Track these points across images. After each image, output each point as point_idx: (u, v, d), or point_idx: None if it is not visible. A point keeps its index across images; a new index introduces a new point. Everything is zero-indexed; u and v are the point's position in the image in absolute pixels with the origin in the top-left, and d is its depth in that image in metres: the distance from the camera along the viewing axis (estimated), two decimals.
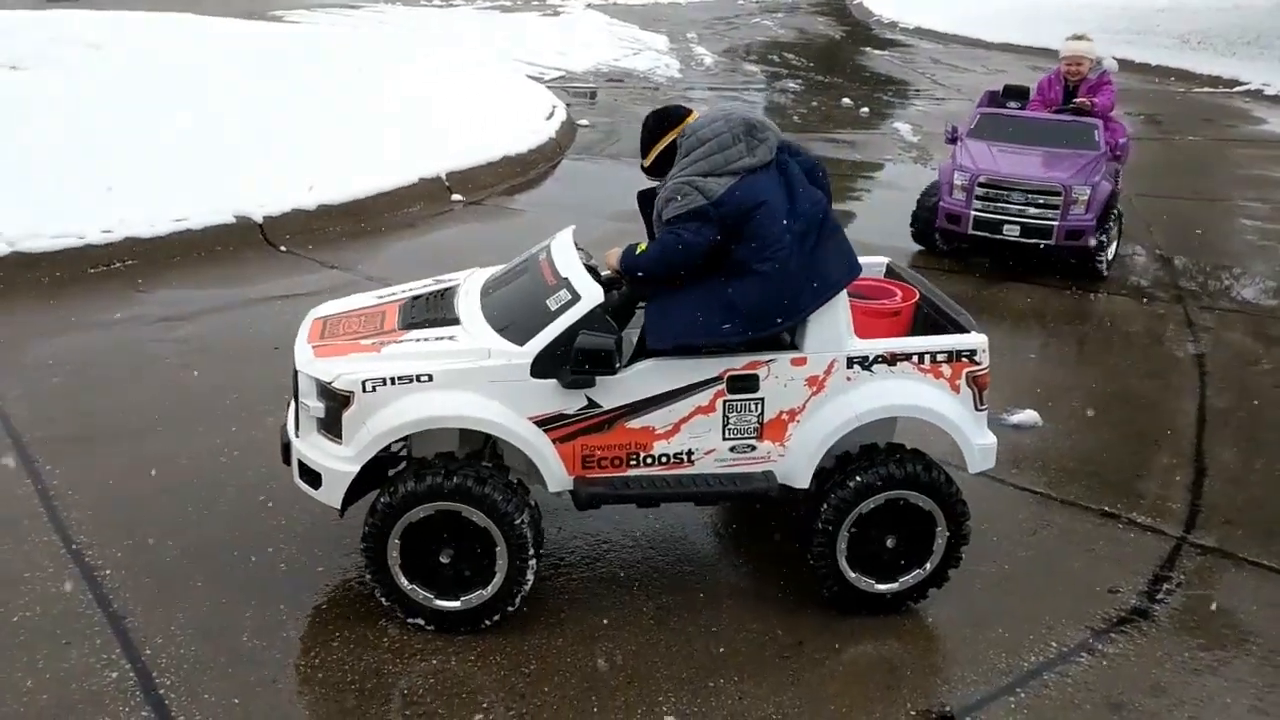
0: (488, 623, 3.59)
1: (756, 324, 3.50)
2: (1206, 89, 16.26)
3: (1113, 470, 4.95)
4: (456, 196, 8.50)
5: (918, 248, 7.79)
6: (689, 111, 3.75)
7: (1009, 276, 7.35)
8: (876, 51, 18.87)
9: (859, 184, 9.95)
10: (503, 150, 9.34)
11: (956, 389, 3.75)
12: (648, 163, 3.77)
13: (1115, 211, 7.37)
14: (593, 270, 3.73)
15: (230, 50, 12.50)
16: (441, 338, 3.62)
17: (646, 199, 3.83)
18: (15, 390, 5.06)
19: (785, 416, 3.66)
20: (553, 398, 3.50)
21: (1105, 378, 5.97)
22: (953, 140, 7.81)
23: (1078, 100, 7.68)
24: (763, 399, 3.62)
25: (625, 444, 3.60)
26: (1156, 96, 15.45)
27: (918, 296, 4.12)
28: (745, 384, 3.59)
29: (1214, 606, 3.99)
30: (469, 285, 3.95)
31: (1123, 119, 8.05)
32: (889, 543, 3.73)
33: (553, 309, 3.55)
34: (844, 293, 3.63)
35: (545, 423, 3.53)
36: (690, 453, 3.65)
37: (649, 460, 3.63)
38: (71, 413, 4.89)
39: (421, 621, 3.57)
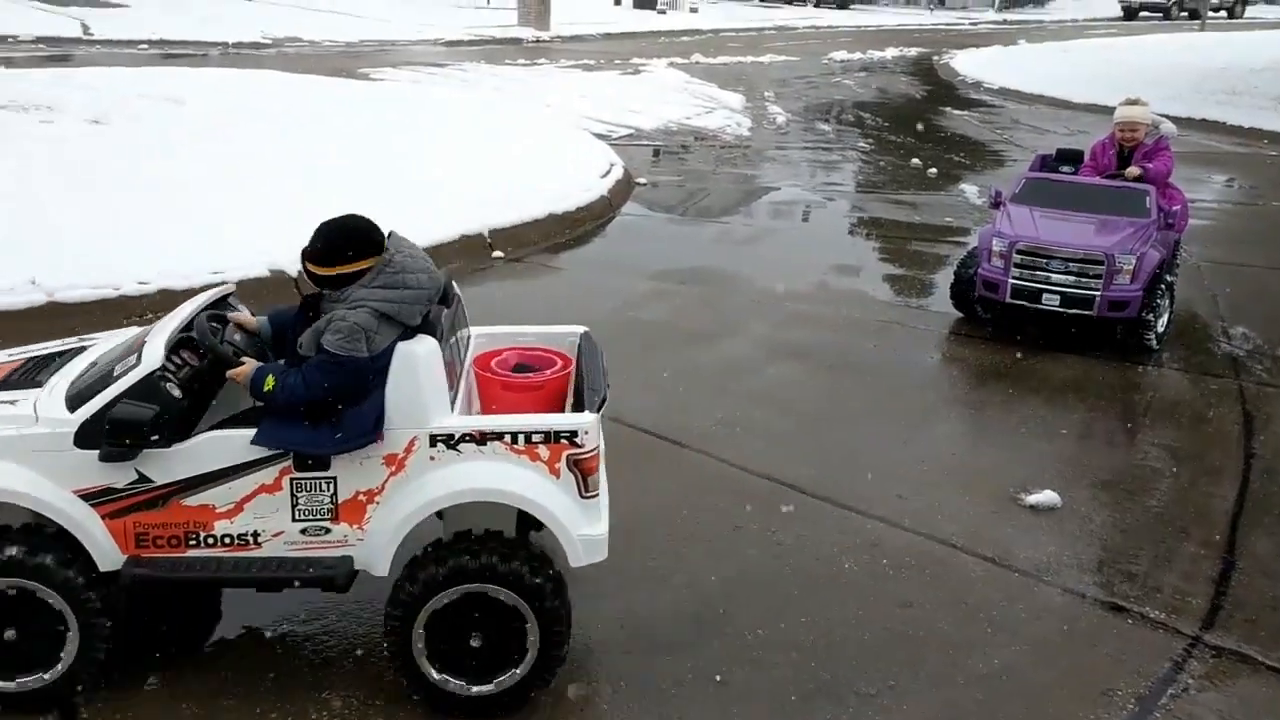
0: None
1: (370, 432, 3.32)
2: None
3: (1131, 558, 4.65)
4: (497, 253, 8.52)
5: (960, 315, 7.54)
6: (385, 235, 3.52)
7: (1052, 347, 7.06)
8: (956, 111, 18.60)
9: (912, 245, 9.72)
10: (549, 207, 9.36)
11: (556, 473, 3.43)
12: (330, 272, 3.41)
13: (1166, 282, 7.01)
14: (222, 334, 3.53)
15: (298, 107, 12.85)
16: (4, 402, 3.44)
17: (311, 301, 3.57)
18: None
19: (363, 497, 3.39)
20: (101, 470, 3.30)
21: (1140, 457, 5.65)
22: (996, 205, 7.56)
23: (1129, 170, 7.33)
24: (335, 478, 3.36)
25: (183, 522, 3.37)
26: (1246, 160, 14.89)
27: (571, 369, 3.87)
28: (314, 462, 3.33)
29: (1219, 717, 3.68)
30: (97, 348, 3.76)
31: (1179, 185, 7.67)
32: (474, 641, 3.41)
33: (115, 375, 3.35)
34: (432, 362, 3.36)
35: (93, 496, 3.33)
36: (256, 534, 3.40)
37: (210, 541, 3.39)
38: None
39: None
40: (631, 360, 6.55)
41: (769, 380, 6.37)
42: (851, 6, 46.93)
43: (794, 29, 35.55)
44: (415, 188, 9.39)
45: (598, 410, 3.51)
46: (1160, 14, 44.18)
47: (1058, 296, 6.86)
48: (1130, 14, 44.88)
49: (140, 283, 6.84)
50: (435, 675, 3.44)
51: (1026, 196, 7.48)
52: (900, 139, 15.50)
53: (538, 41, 26.64)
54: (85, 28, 22.17)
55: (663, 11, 36.06)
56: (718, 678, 3.76)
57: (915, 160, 13.42)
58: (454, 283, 3.93)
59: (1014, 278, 6.96)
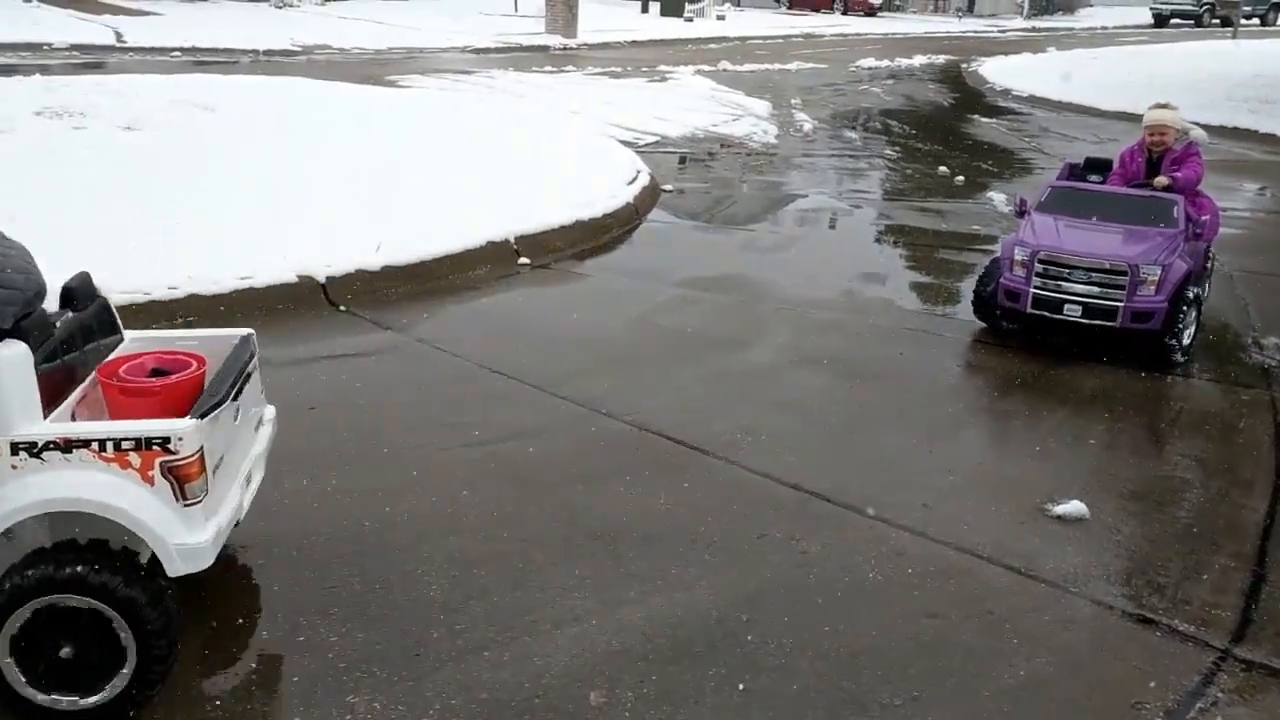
0: None
1: None
2: None
3: (1159, 570, 4.60)
4: (523, 260, 8.54)
5: (983, 324, 7.49)
6: None
7: (1080, 357, 6.99)
8: (984, 119, 18.50)
9: (939, 253, 9.67)
10: (576, 214, 9.37)
11: (150, 480, 3.31)
12: None
13: (1193, 293, 6.89)
14: None
15: (325, 114, 12.95)
16: None
17: None
18: None
19: None
20: None
21: (1169, 468, 5.59)
22: (1021, 213, 7.47)
23: (1157, 180, 7.19)
24: None
25: None
26: (1278, 169, 14.73)
27: (203, 373, 3.75)
28: None
29: None
30: None
31: (1209, 193, 7.55)
32: (67, 652, 3.26)
33: None
34: (17, 368, 3.24)
35: None
36: None
37: None
38: None
39: None
40: (655, 367, 6.55)
41: (794, 388, 6.35)
42: (880, 14, 46.81)
43: (821, 36, 35.49)
44: (441, 194, 9.43)
45: (202, 415, 3.39)
46: (1192, 21, 43.79)
47: (1080, 307, 6.76)
48: (1161, 21, 44.50)
49: (170, 288, 6.90)
50: (41, 697, 3.31)
51: (1052, 205, 7.38)
52: (927, 146, 15.44)
53: (565, 49, 26.73)
54: (118, 35, 22.43)
55: (690, 19, 36.09)
56: (741, 686, 3.75)
57: (942, 168, 13.36)
58: (96, 286, 3.80)
59: (1036, 288, 6.86)
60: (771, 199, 11.67)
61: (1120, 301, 6.67)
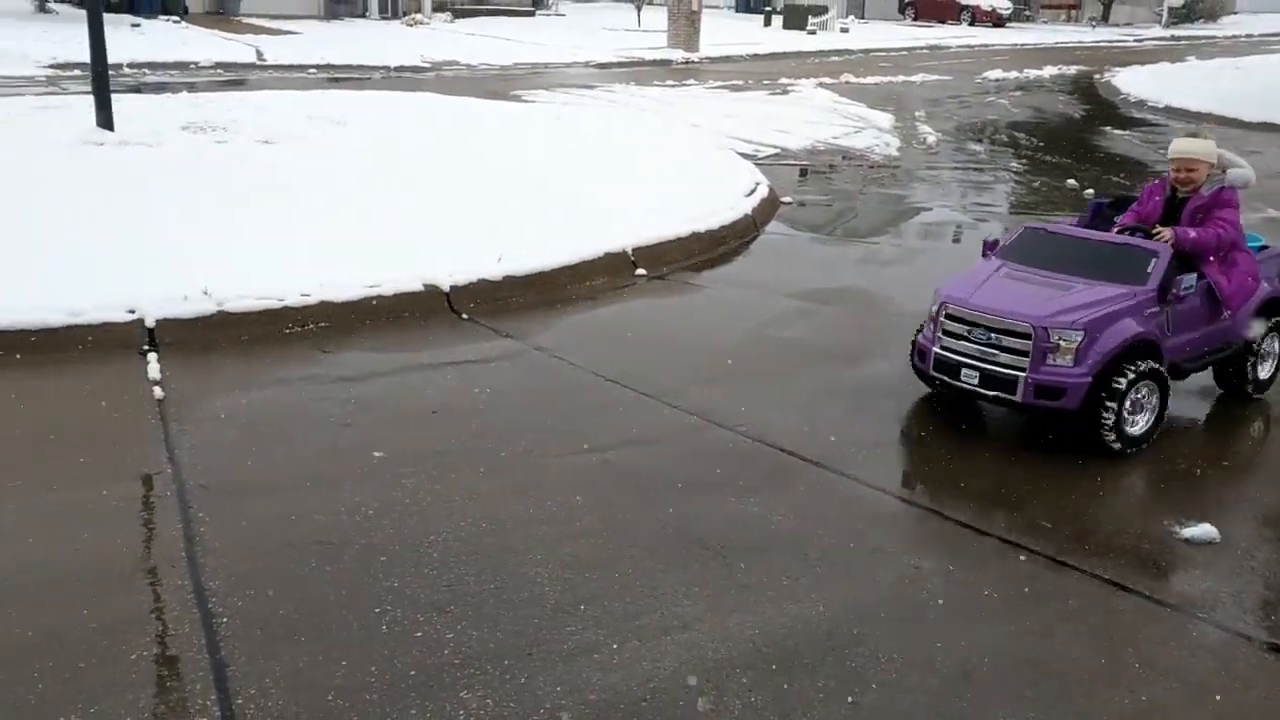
0: None
1: None
2: None
3: None
4: (640, 271, 8.62)
5: None
6: None
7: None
8: (1117, 131, 17.95)
9: None
10: (693, 226, 9.42)
11: None
12: None
13: (1145, 368, 5.46)
14: None
15: (452, 126, 13.30)
16: None
17: None
18: (192, 440, 5.46)
19: None
20: None
21: None
22: (984, 255, 6.29)
23: (1161, 231, 5.78)
24: None
25: None
26: None
27: None
28: None
29: None
30: None
31: (1249, 257, 6.11)
32: None
33: None
34: None
35: None
36: None
37: None
38: (234, 464, 5.23)
39: None
40: (770, 378, 6.54)
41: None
42: (1008, 25, 45.79)
43: (947, 48, 34.90)
44: (560, 205, 9.59)
45: None
46: None
47: (977, 374, 5.55)
48: None
49: (303, 295, 7.17)
50: None
51: (1015, 248, 6.05)
52: (1056, 159, 15.05)
53: (687, 63, 26.87)
54: (259, 54, 23.39)
55: (813, 32, 35.90)
56: (849, 699, 3.72)
57: (1071, 181, 13.02)
58: None
59: (939, 347, 5.73)
60: (893, 212, 11.54)
61: (1021, 371, 5.40)
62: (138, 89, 17.43)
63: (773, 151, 14.54)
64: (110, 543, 4.48)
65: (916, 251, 10.03)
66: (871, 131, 16.62)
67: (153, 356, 6.44)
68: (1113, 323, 5.43)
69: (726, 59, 27.97)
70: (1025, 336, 5.40)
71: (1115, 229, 6.10)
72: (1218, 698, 3.79)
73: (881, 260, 9.60)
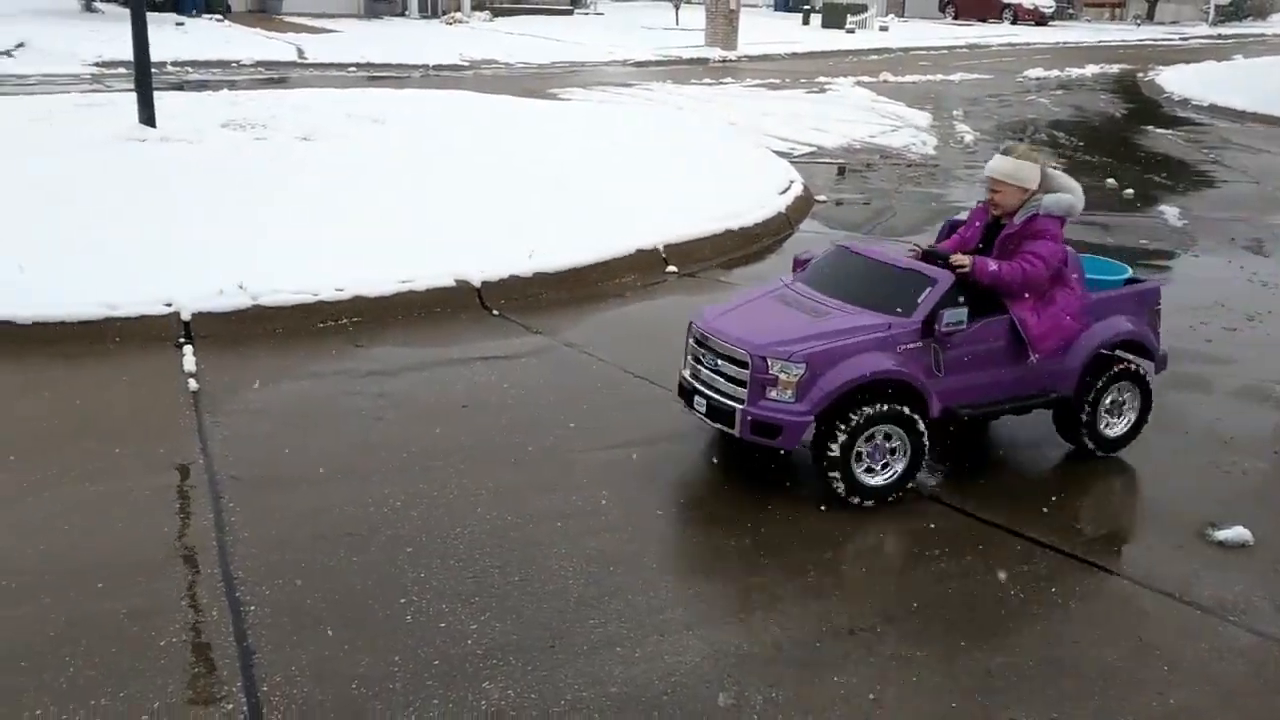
0: None
1: None
2: None
3: None
4: (671, 268, 8.62)
5: None
6: None
7: (1255, 378, 6.63)
8: (1159, 130, 17.71)
9: None
10: (726, 224, 9.40)
11: None
12: None
13: (888, 411, 4.83)
14: None
15: (487, 123, 13.37)
16: None
17: None
18: (224, 431, 5.53)
19: None
20: None
21: None
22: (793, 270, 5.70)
23: (958, 259, 5.02)
24: None
25: None
26: None
27: None
28: None
29: None
30: None
31: (1070, 288, 5.22)
32: None
33: None
34: None
35: None
36: None
37: None
38: (265, 456, 5.29)
39: None
40: None
41: None
42: (1051, 23, 45.29)
43: (987, 46, 34.58)
44: (592, 203, 9.61)
45: None
46: None
47: (705, 402, 5.06)
48: None
49: (337, 289, 7.23)
50: None
51: (815, 267, 5.46)
52: (1096, 158, 14.88)
53: (724, 61, 26.81)
54: (300, 52, 23.61)
55: (851, 30, 35.70)
56: (871, 696, 3.71)
57: (1110, 180, 12.85)
58: None
59: (685, 370, 5.31)
60: (931, 211, 11.45)
61: (740, 403, 4.88)
62: (180, 87, 17.66)
63: (809, 150, 14.49)
64: (142, 531, 4.56)
65: None
66: (909, 130, 16.51)
67: (188, 349, 6.53)
68: (846, 357, 4.76)
69: (764, 57, 27.87)
70: (743, 365, 4.84)
71: (912, 253, 5.32)
72: (1247, 702, 3.74)
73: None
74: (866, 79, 22.98)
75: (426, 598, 4.15)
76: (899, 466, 4.93)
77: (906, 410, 4.85)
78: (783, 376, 4.76)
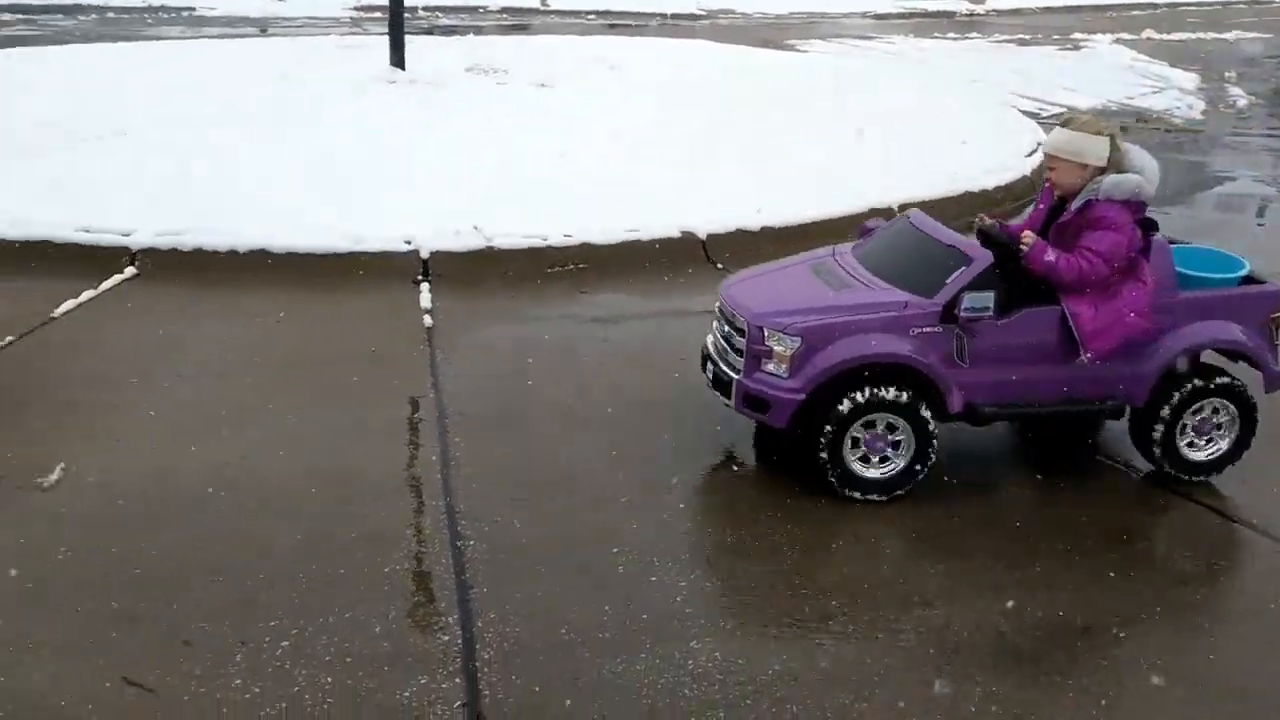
0: None
1: None
2: None
3: None
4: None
5: None
6: None
7: None
8: None
9: None
10: (965, 185, 8.96)
11: None
12: None
13: (899, 398, 4.39)
14: None
15: (720, 74, 13.22)
16: None
17: None
18: (456, 369, 5.70)
19: None
20: None
21: None
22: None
23: (1025, 235, 4.47)
24: None
25: None
26: None
27: None
28: None
29: None
30: None
31: (1141, 304, 4.45)
32: None
33: None
34: None
35: None
36: None
37: None
38: (491, 395, 5.42)
39: None
40: None
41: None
42: None
43: (1271, 1, 31.61)
44: (825, 158, 9.34)
45: None
46: None
47: (712, 371, 4.78)
48: None
49: (565, 235, 7.32)
50: None
51: (874, 237, 4.97)
52: None
53: (971, 15, 25.57)
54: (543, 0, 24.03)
55: None
56: (1103, 702, 3.46)
57: None
58: None
59: (708, 336, 4.99)
60: (1191, 180, 10.59)
61: (737, 374, 4.56)
62: (430, 31, 18.30)
63: (1058, 110, 13.62)
64: (375, 460, 4.74)
65: (1212, 224, 9.13)
66: (1173, 92, 15.30)
67: (425, 286, 6.76)
68: (846, 335, 4.35)
69: (1015, 11, 26.38)
70: (742, 333, 4.53)
71: (975, 230, 4.72)
72: None
73: (1170, 230, 8.78)
74: (1127, 36, 21.41)
75: (638, 550, 4.14)
76: (900, 461, 4.48)
77: (906, 398, 4.37)
78: (778, 349, 4.39)
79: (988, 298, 4.33)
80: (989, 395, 4.50)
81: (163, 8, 20.80)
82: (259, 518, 4.26)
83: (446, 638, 3.62)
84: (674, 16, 22.72)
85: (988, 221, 4.67)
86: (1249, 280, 4.80)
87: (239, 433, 4.93)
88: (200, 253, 7.01)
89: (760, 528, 4.33)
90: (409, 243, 7.08)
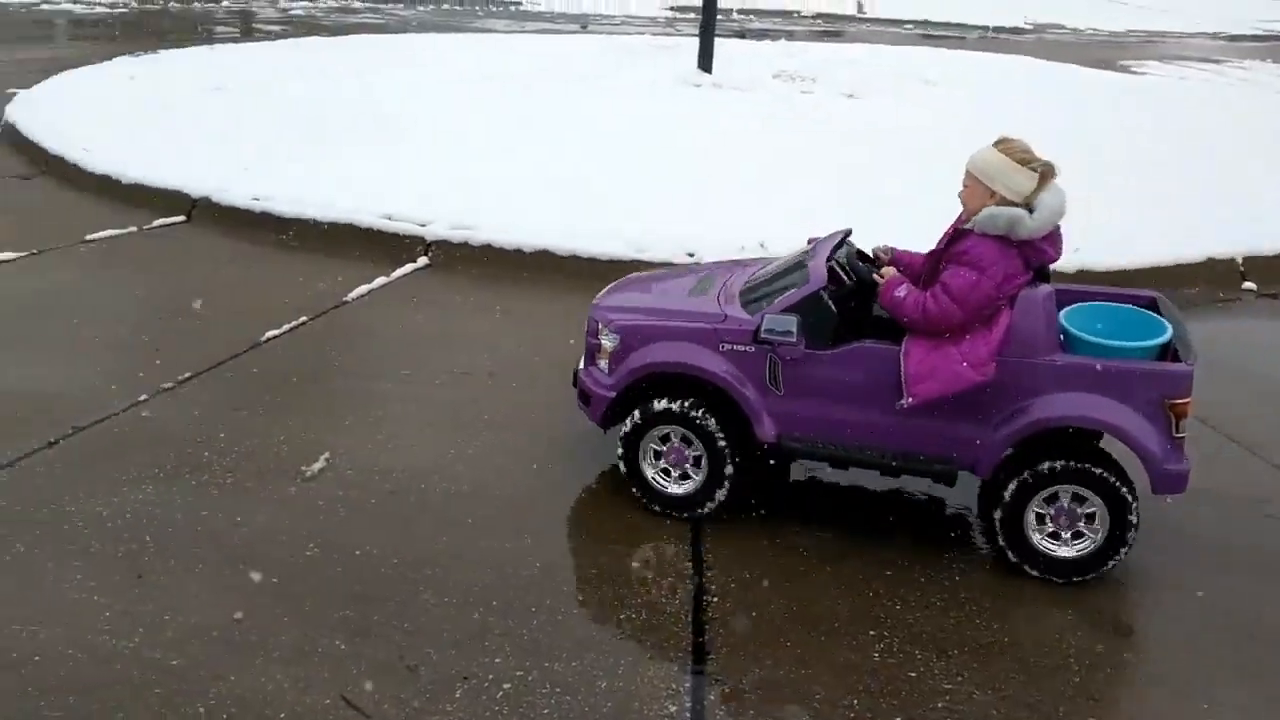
0: None
1: None
2: None
3: None
4: (1248, 285, 7.27)
5: None
6: None
7: None
8: None
9: None
10: None
11: None
12: None
13: (688, 417, 4.14)
14: None
15: (1055, 94, 12.25)
16: None
17: None
18: None
19: None
20: None
21: None
22: None
23: (887, 272, 4.03)
24: None
25: None
26: None
27: None
28: None
29: None
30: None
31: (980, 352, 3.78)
32: None
33: None
34: None
35: None
36: None
37: None
38: None
39: None
40: None
41: None
42: None
43: None
44: (1163, 195, 8.39)
45: None
46: None
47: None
48: None
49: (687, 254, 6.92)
50: None
51: (784, 257, 4.60)
52: None
53: None
54: (860, 6, 23.48)
55: None
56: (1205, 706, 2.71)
57: None
58: None
59: None
60: None
61: (582, 366, 4.52)
62: (742, 34, 18.20)
63: None
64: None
65: None
66: None
67: None
68: (656, 340, 4.18)
69: None
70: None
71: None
72: None
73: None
74: None
75: (899, 639, 3.67)
76: (697, 478, 4.19)
77: (697, 416, 4.10)
78: (605, 344, 4.32)
79: (789, 322, 3.95)
80: (803, 429, 4.11)
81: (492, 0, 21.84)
82: (503, 536, 4.11)
83: (674, 708, 3.30)
84: (996, 30, 21.58)
85: (880, 247, 4.30)
86: (1166, 352, 3.91)
87: (499, 437, 4.84)
88: (489, 248, 7.09)
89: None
90: (691, 255, 6.86)
